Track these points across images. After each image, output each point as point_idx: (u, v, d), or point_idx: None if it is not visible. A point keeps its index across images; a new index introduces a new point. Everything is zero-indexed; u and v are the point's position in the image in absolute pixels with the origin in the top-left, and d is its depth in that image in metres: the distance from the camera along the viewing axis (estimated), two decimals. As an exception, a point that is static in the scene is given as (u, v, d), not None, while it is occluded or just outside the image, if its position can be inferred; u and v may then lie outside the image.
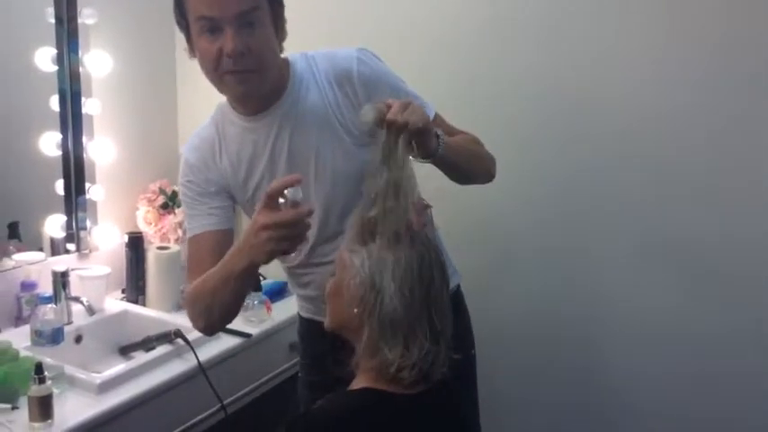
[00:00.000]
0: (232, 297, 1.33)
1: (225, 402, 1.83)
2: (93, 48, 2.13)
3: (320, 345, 1.53)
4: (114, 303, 2.16)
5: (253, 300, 2.11)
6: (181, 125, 2.51)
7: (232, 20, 1.27)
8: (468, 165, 1.46)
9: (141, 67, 2.34)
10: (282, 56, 1.41)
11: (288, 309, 2.22)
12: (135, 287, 2.20)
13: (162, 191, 2.31)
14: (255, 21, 1.29)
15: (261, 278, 2.23)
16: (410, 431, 1.21)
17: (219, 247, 1.41)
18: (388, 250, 1.18)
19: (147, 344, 1.92)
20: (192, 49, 1.37)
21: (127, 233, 2.22)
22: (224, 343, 1.96)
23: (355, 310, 1.17)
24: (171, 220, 2.26)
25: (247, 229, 1.22)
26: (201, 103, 2.44)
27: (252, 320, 2.08)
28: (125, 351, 2.02)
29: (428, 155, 1.29)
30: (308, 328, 1.65)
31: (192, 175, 1.50)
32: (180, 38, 2.36)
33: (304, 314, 1.66)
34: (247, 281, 1.32)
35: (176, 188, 2.33)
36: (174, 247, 2.21)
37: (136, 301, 2.19)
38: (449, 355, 1.21)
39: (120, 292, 2.24)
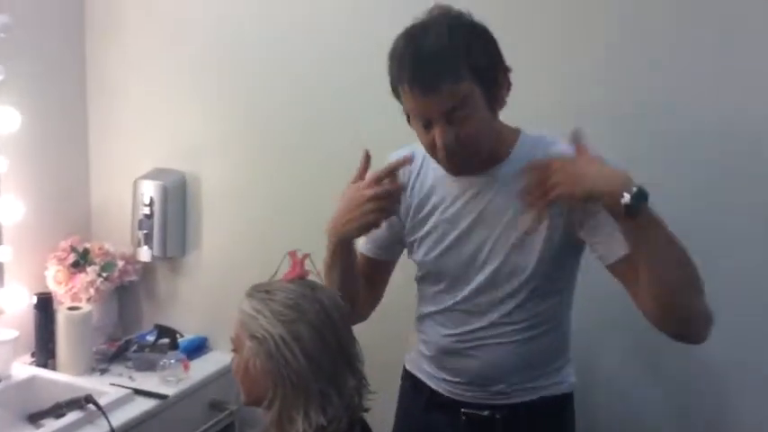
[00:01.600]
0: (343, 281, 1.41)
1: (141, 468, 1.77)
2: (1, 104, 2.07)
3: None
4: (23, 368, 2.06)
5: (169, 358, 2.06)
6: (93, 181, 2.46)
7: (440, 117, 1.27)
8: (676, 276, 1.22)
9: (51, 123, 2.28)
10: (514, 126, 1.41)
11: (207, 366, 2.18)
12: (44, 350, 2.10)
13: (73, 249, 2.24)
14: (463, 112, 1.27)
15: (178, 335, 2.17)
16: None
17: (366, 275, 1.53)
18: (284, 314, 1.20)
19: (57, 410, 1.84)
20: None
21: (36, 294, 2.14)
22: (139, 406, 1.90)
23: (271, 383, 1.18)
24: (82, 278, 2.19)
25: (344, 205, 1.36)
26: (115, 158, 2.42)
27: (169, 380, 2.03)
28: (34, 419, 1.92)
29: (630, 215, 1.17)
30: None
31: None
32: (91, 92, 2.38)
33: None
34: (346, 261, 1.42)
35: (88, 245, 2.27)
36: (86, 307, 2.13)
37: (45, 365, 2.09)
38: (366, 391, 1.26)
39: (29, 355, 2.15)
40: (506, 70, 1.33)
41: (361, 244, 1.56)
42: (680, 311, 1.24)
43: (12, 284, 2.15)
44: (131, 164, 2.35)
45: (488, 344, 1.43)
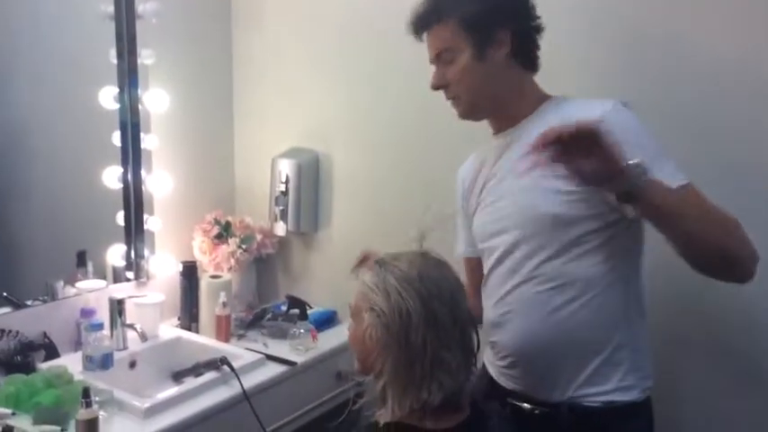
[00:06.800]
0: None
1: (268, 430, 1.87)
2: (152, 86, 2.24)
3: None
4: (169, 330, 2.23)
5: (299, 328, 2.16)
6: (237, 159, 2.61)
7: (433, 58, 1.44)
8: (688, 228, 1.20)
9: (198, 104, 2.44)
10: (547, 92, 1.47)
11: (335, 338, 2.25)
12: (188, 314, 2.27)
13: (217, 221, 2.40)
14: (448, 56, 1.41)
15: (308, 307, 2.27)
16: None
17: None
18: (406, 287, 1.20)
19: (197, 370, 1.97)
20: None
21: (182, 262, 2.31)
22: (269, 370, 2.01)
23: (382, 356, 1.20)
24: (224, 249, 2.34)
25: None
26: (257, 137, 2.54)
27: (298, 349, 2.13)
28: (177, 377, 2.06)
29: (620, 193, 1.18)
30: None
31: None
32: (237, 75, 2.51)
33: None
34: None
35: (230, 219, 2.42)
36: (226, 276, 2.28)
37: (189, 328, 2.26)
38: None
39: (176, 318, 2.32)
40: (512, 28, 1.37)
41: (461, 251, 1.62)
42: (715, 262, 1.23)
43: (161, 252, 2.34)
44: (271, 143, 2.47)
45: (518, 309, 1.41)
